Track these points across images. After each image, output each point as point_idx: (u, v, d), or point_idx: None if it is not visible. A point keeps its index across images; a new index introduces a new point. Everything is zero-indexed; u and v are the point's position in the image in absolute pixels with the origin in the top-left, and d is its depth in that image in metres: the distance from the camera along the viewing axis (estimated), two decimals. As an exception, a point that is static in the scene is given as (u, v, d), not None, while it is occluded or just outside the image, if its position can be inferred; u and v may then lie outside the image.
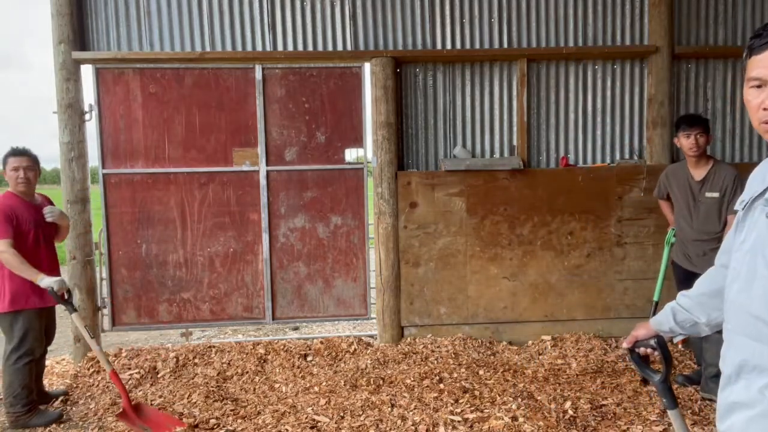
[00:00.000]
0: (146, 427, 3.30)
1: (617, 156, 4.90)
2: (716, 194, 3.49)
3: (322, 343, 4.63)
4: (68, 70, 4.46)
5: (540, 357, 4.40)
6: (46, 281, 3.32)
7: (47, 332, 3.71)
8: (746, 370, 1.24)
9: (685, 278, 3.74)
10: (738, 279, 1.29)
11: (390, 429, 3.23)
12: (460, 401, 3.52)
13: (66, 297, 3.42)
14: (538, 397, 3.56)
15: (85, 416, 3.63)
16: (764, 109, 1.22)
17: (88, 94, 4.58)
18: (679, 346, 4.52)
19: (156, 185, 4.66)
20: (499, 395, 3.59)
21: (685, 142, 3.56)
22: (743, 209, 1.34)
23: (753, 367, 1.22)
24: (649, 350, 1.64)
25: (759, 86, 1.22)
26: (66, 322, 5.46)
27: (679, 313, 1.62)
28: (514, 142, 4.85)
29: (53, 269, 3.63)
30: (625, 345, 1.71)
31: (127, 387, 3.86)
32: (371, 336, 4.99)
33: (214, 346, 4.62)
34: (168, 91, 4.63)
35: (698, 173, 3.60)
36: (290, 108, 4.70)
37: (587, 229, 4.73)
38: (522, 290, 4.77)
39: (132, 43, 4.64)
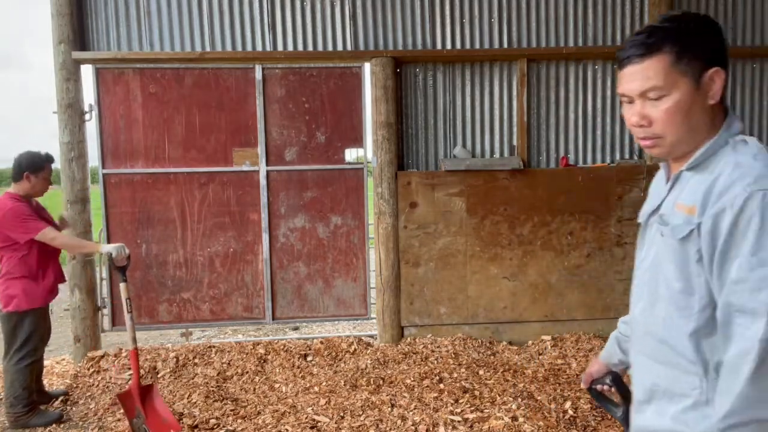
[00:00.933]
0: (143, 415, 3.30)
1: (617, 156, 4.90)
2: None
3: (322, 343, 4.63)
4: (68, 70, 4.46)
5: (540, 357, 4.40)
6: (107, 247, 3.42)
7: (47, 331, 3.73)
8: (657, 396, 1.20)
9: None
10: (642, 299, 1.24)
11: (390, 429, 3.23)
12: (460, 401, 3.52)
13: (122, 264, 3.44)
14: (538, 397, 3.56)
15: (85, 416, 3.64)
16: (632, 125, 1.18)
17: (88, 94, 4.59)
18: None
19: (156, 185, 4.66)
20: (499, 395, 3.59)
21: None
22: (643, 224, 1.27)
23: (663, 392, 1.18)
24: (605, 387, 1.56)
25: (629, 102, 1.18)
26: (66, 322, 5.46)
27: (622, 342, 1.52)
28: (514, 142, 4.86)
29: (56, 259, 3.69)
30: (582, 385, 1.62)
31: (127, 387, 3.86)
32: (371, 336, 4.99)
33: (214, 346, 4.62)
34: (168, 91, 4.63)
35: None
36: (290, 108, 4.70)
37: (587, 229, 4.73)
38: (522, 290, 4.77)
39: (132, 43, 4.64)
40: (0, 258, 3.46)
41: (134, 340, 3.42)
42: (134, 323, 3.46)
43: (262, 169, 4.70)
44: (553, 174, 4.73)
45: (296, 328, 5.93)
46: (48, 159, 3.60)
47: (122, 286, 3.42)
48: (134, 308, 4.67)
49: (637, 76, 1.13)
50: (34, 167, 3.51)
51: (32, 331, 3.46)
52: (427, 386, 3.76)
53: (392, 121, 4.61)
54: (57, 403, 3.82)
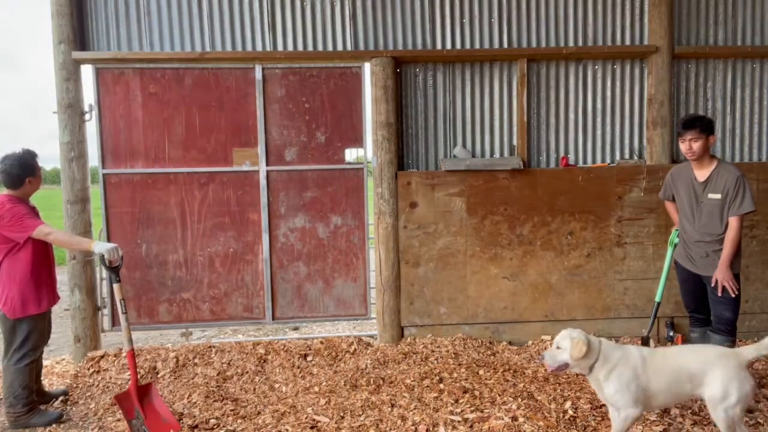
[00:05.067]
0: (142, 416, 3.30)
1: (617, 156, 4.90)
2: (718, 196, 3.43)
3: (322, 343, 4.63)
4: (68, 70, 4.46)
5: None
6: (99, 247, 3.35)
7: (47, 332, 3.71)
8: None
9: (687, 279, 3.73)
10: None
11: (390, 429, 3.23)
12: (460, 401, 3.52)
13: (115, 265, 3.41)
14: (538, 397, 3.56)
15: (85, 416, 3.63)
16: None
17: (88, 94, 4.59)
18: (679, 344, 4.52)
19: (156, 185, 4.66)
20: (499, 395, 3.59)
21: (681, 146, 3.49)
22: None
23: None
24: None
25: None
26: (66, 322, 5.46)
27: None
28: (514, 142, 4.85)
29: (53, 264, 3.68)
30: None
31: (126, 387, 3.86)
32: (371, 336, 4.98)
33: (214, 346, 4.62)
34: (168, 91, 4.63)
35: (701, 174, 3.53)
36: (290, 108, 4.70)
37: (587, 229, 4.73)
38: (522, 290, 4.76)
39: (132, 43, 4.64)
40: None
41: (130, 340, 3.42)
42: (129, 324, 3.45)
43: (262, 169, 4.70)
44: (553, 174, 4.73)
45: (296, 328, 5.93)
46: (35, 156, 3.55)
47: (116, 287, 3.41)
48: (135, 308, 4.68)
49: None
50: (31, 170, 3.49)
51: (30, 331, 3.46)
52: (427, 386, 3.76)
53: (392, 121, 4.61)
54: (57, 403, 3.82)
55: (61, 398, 3.86)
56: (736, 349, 2.89)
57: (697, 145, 3.42)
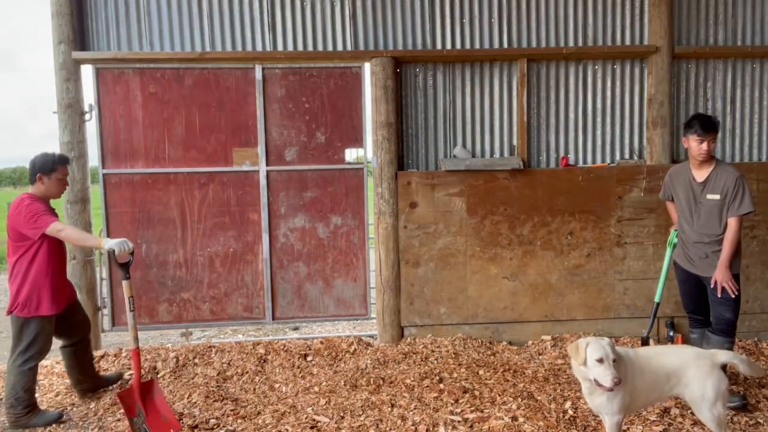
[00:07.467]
0: (143, 414, 3.30)
1: (617, 156, 4.90)
2: (717, 196, 3.42)
3: (322, 343, 4.63)
4: (68, 70, 4.46)
5: (540, 357, 4.40)
6: (108, 243, 3.35)
7: (81, 323, 3.80)
8: None
9: (686, 280, 3.72)
10: None
11: (390, 429, 3.23)
12: (460, 401, 3.52)
13: (125, 261, 3.40)
14: (538, 397, 3.56)
15: (85, 416, 3.63)
16: None
17: (88, 94, 4.59)
18: (679, 344, 4.52)
19: (156, 185, 4.66)
20: (499, 395, 3.59)
21: (696, 146, 3.43)
22: None
23: None
24: None
25: None
26: (66, 322, 5.44)
27: None
28: (514, 142, 4.85)
29: (65, 262, 3.71)
30: None
31: (127, 385, 3.86)
32: (371, 336, 4.99)
33: (214, 346, 4.62)
34: (168, 91, 4.63)
35: (700, 175, 3.51)
36: (290, 108, 4.70)
37: (587, 229, 4.73)
38: (522, 290, 4.77)
39: (132, 43, 4.64)
40: (14, 260, 3.46)
41: (136, 339, 3.42)
42: (136, 322, 3.45)
43: (262, 169, 4.70)
44: (553, 174, 4.73)
45: (296, 328, 5.93)
46: (59, 161, 3.56)
47: (125, 283, 3.41)
48: (135, 308, 4.67)
49: None
50: (45, 168, 3.50)
51: (38, 334, 3.45)
52: (427, 386, 3.76)
53: (392, 121, 4.61)
54: (58, 401, 3.81)
55: (119, 382, 4.01)
56: (711, 350, 2.95)
57: (712, 147, 3.45)
